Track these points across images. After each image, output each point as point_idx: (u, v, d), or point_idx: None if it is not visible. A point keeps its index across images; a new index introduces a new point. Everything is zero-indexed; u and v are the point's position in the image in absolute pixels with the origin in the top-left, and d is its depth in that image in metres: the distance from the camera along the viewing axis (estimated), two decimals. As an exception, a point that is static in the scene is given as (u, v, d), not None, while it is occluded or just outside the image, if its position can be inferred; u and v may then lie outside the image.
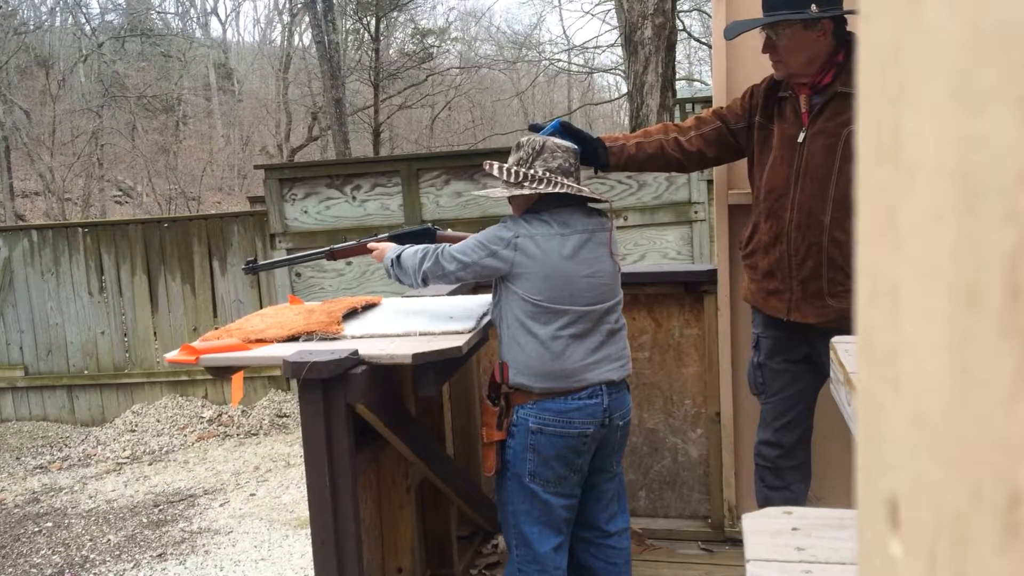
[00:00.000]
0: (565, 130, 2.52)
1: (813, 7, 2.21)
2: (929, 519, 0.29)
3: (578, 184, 2.25)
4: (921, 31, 0.29)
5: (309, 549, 2.16)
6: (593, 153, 2.55)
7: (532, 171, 2.19)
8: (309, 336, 2.25)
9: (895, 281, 0.31)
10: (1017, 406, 0.25)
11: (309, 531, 2.07)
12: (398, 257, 2.33)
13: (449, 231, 2.57)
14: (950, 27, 0.27)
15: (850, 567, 1.27)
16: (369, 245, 2.50)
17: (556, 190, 2.16)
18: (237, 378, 2.28)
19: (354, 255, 2.58)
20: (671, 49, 7.45)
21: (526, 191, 2.17)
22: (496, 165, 2.26)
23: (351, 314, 2.53)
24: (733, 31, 2.38)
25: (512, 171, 2.21)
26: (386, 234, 2.55)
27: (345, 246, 2.58)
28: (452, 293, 2.96)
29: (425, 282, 2.27)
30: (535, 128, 2.53)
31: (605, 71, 21.68)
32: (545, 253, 2.15)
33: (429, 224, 2.61)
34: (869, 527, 0.34)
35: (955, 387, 0.28)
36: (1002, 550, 0.26)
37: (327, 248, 2.60)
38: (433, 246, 2.28)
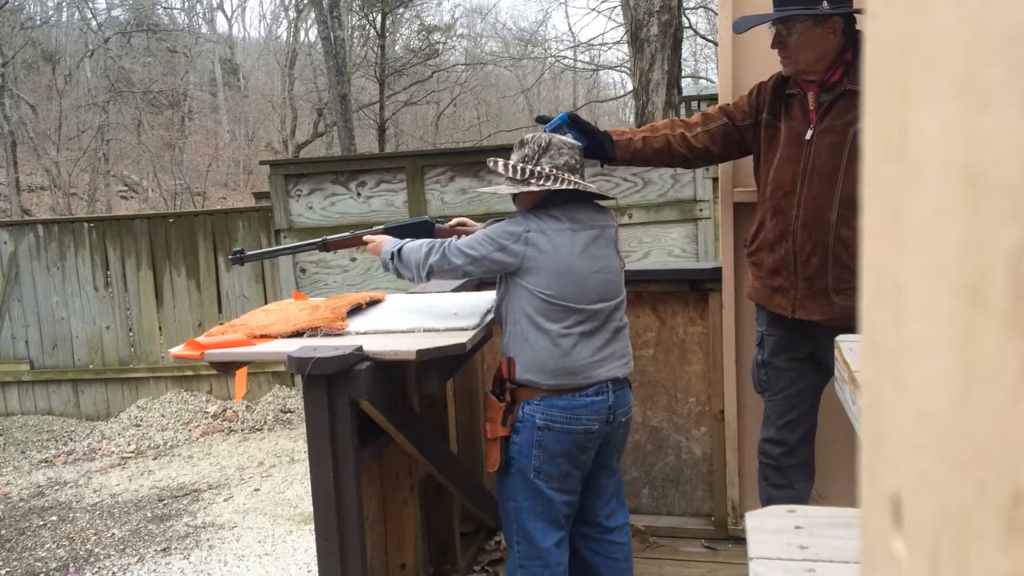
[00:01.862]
0: (572, 122, 2.51)
1: (824, 4, 2.21)
2: (932, 517, 0.29)
3: (584, 181, 2.24)
4: (927, 29, 0.29)
5: (313, 545, 2.17)
6: (599, 146, 2.55)
7: (539, 168, 2.18)
8: (313, 332, 2.25)
9: (900, 279, 0.31)
10: (1021, 404, 0.25)
11: (313, 527, 2.08)
12: (399, 250, 2.26)
13: (447, 224, 2.53)
14: (956, 25, 0.27)
15: (853, 566, 1.27)
16: (365, 237, 2.43)
17: (564, 187, 2.15)
18: (240, 374, 2.28)
19: (348, 247, 2.51)
20: (677, 46, 7.44)
21: (533, 188, 2.16)
22: (501, 162, 2.25)
23: (355, 310, 2.53)
24: (743, 25, 2.37)
25: (518, 168, 2.20)
26: (382, 227, 2.48)
27: (338, 237, 2.50)
28: (456, 290, 2.96)
29: (429, 276, 2.22)
30: (542, 120, 2.53)
31: (611, 68, 21.66)
32: (556, 248, 2.15)
33: (428, 217, 2.57)
34: (872, 525, 0.34)
35: (959, 385, 0.28)
36: (1005, 547, 0.26)
37: (319, 239, 2.53)
38: (439, 240, 2.24)
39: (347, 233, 2.51)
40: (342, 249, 2.51)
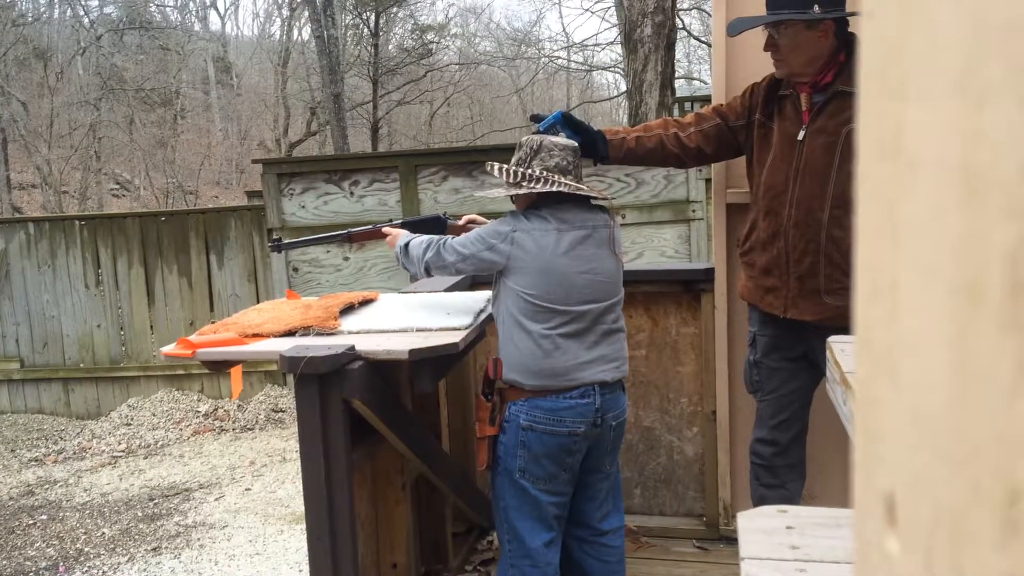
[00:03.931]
0: (566, 121, 2.53)
1: (816, 7, 2.22)
2: (927, 515, 0.29)
3: (577, 182, 2.25)
4: (924, 27, 0.29)
5: (304, 544, 2.16)
6: (593, 145, 2.56)
7: (530, 170, 2.21)
8: (306, 331, 2.25)
9: (895, 277, 0.31)
10: (1017, 402, 0.25)
11: (304, 526, 2.07)
12: (406, 245, 2.37)
13: (459, 222, 2.62)
14: (953, 22, 0.27)
15: (844, 565, 1.27)
16: (384, 230, 2.56)
17: (552, 189, 2.17)
18: (236, 371, 2.28)
19: (370, 239, 2.66)
20: (671, 47, 7.45)
21: (523, 191, 2.18)
22: (496, 166, 2.28)
23: (348, 309, 2.53)
24: (736, 28, 2.39)
25: (511, 171, 2.23)
26: (400, 220, 2.62)
27: (362, 230, 2.66)
28: (449, 289, 2.96)
29: (428, 272, 2.31)
30: (537, 119, 2.54)
31: (604, 69, 21.67)
32: (540, 248, 2.16)
33: (440, 214, 2.67)
34: (866, 524, 0.34)
35: (955, 383, 0.28)
36: (1001, 546, 0.26)
37: (345, 231, 2.68)
38: (438, 237, 2.31)
39: (370, 226, 2.68)
40: (365, 240, 2.67)
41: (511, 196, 2.27)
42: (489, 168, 2.33)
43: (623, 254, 2.40)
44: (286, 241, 2.75)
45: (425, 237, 2.35)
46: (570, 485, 2.31)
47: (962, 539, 0.28)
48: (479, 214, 2.74)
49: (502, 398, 2.25)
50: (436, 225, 2.58)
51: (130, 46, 19.80)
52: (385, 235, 2.54)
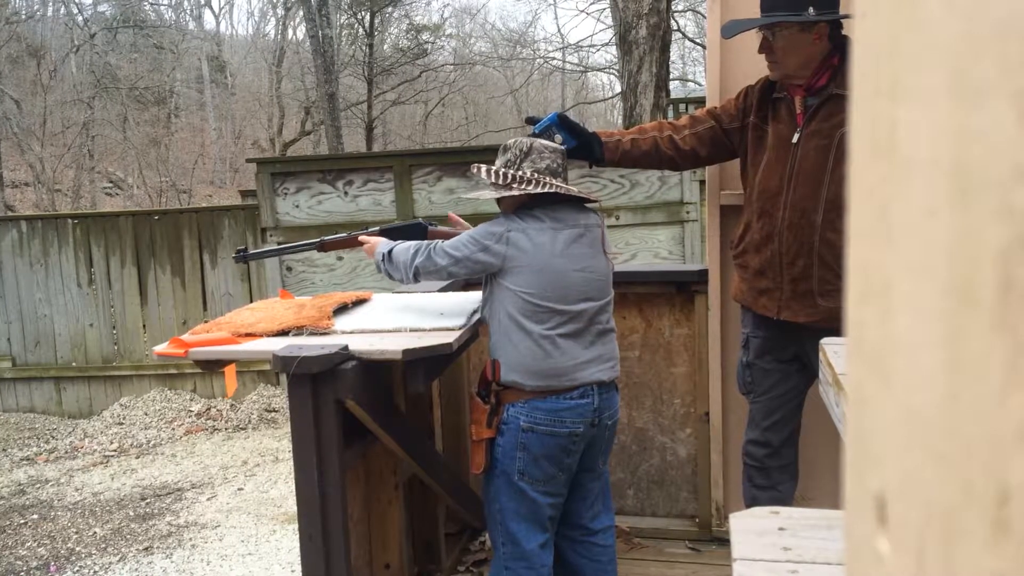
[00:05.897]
0: (562, 123, 2.53)
1: (811, 9, 2.23)
2: (918, 515, 0.29)
3: (566, 184, 2.25)
4: (918, 26, 0.29)
5: (297, 544, 2.16)
6: (588, 147, 2.56)
7: (520, 172, 2.20)
8: (299, 331, 2.25)
9: (887, 277, 0.31)
10: (1008, 401, 0.25)
11: (297, 526, 2.07)
12: (389, 252, 2.31)
13: (441, 227, 2.57)
14: (947, 22, 0.27)
15: (836, 567, 1.27)
16: (360, 238, 2.48)
17: (545, 190, 2.17)
18: (230, 369, 2.27)
19: (344, 247, 2.57)
20: (665, 49, 7.46)
21: (515, 192, 2.18)
22: (484, 168, 2.26)
23: (341, 309, 2.53)
24: (731, 30, 2.39)
25: (500, 173, 2.22)
26: (377, 228, 2.54)
27: (335, 238, 2.57)
28: (443, 290, 2.96)
29: (416, 277, 2.26)
30: (532, 120, 2.54)
31: (599, 70, 21.67)
32: (537, 247, 2.16)
33: (421, 219, 2.60)
34: (857, 524, 0.34)
35: (947, 383, 0.28)
36: (992, 546, 0.26)
37: (317, 240, 2.58)
38: (426, 242, 2.28)
39: (344, 234, 2.57)
40: (338, 249, 2.55)
41: (498, 199, 2.27)
42: (475, 170, 2.31)
43: (614, 255, 2.40)
44: (252, 252, 2.63)
45: (411, 242, 2.31)
46: (567, 486, 2.31)
47: (953, 539, 0.28)
48: (475, 215, 2.71)
49: (499, 400, 2.24)
50: (417, 231, 2.50)
51: (124, 44, 19.74)
52: (361, 243, 2.46)
